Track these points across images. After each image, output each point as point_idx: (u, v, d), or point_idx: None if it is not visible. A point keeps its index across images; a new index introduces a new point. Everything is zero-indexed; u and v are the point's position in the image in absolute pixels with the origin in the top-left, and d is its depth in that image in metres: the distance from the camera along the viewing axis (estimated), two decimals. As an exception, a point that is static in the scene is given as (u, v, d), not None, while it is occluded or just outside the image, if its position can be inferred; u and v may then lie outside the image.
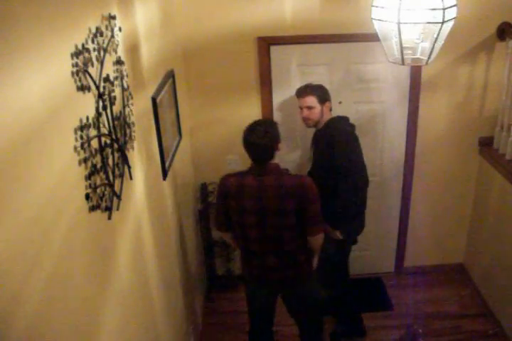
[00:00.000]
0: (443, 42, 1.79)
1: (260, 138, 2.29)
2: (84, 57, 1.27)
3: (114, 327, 1.49)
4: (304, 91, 2.82)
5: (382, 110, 3.30)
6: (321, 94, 2.80)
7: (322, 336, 2.88)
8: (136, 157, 1.81)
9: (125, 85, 1.66)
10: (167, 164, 2.34)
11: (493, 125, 3.25)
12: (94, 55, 1.35)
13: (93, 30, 1.36)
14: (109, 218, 1.44)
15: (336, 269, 3.04)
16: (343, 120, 2.84)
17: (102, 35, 1.43)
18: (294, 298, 2.69)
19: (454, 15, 1.74)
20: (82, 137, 1.24)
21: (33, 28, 1.03)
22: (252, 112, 3.16)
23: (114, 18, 1.55)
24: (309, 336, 2.85)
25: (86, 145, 1.26)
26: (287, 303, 2.74)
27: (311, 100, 2.78)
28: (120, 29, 1.62)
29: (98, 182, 1.35)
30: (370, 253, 3.76)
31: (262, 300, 2.71)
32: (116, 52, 1.57)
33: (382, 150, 3.42)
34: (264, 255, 2.47)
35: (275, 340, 2.94)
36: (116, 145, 1.51)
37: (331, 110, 2.85)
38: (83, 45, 1.28)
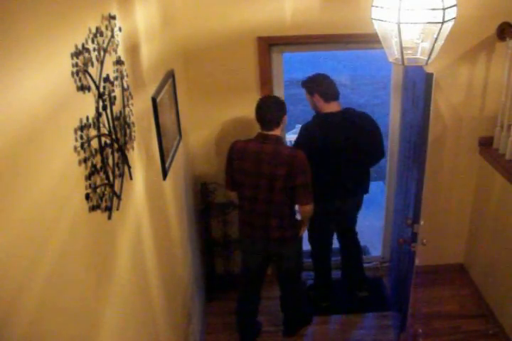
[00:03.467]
0: (443, 42, 1.79)
1: (273, 103, 2.68)
2: (84, 57, 1.27)
3: (114, 327, 1.50)
4: None
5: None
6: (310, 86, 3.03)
7: (301, 299, 3.18)
8: (136, 157, 1.81)
9: (125, 85, 1.66)
10: (167, 164, 2.34)
11: (493, 125, 3.25)
12: (94, 55, 1.35)
13: (93, 30, 1.36)
14: (109, 218, 1.44)
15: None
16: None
17: (102, 35, 1.43)
18: (279, 259, 2.95)
19: (454, 15, 1.74)
20: (82, 137, 1.24)
21: (33, 28, 1.03)
22: (252, 112, 3.15)
23: (114, 18, 1.55)
24: (289, 298, 3.12)
25: (86, 145, 1.26)
26: (275, 265, 3.02)
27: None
28: (120, 29, 1.62)
29: (98, 182, 1.35)
30: (370, 253, 3.77)
31: (252, 260, 2.98)
32: (116, 52, 1.57)
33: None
34: (254, 214, 2.76)
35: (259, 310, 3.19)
36: (116, 145, 1.51)
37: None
38: (83, 45, 1.27)
